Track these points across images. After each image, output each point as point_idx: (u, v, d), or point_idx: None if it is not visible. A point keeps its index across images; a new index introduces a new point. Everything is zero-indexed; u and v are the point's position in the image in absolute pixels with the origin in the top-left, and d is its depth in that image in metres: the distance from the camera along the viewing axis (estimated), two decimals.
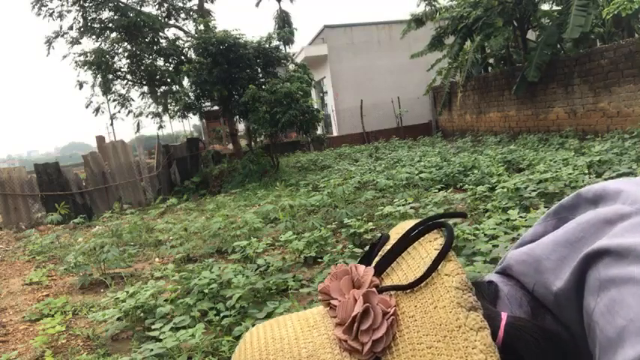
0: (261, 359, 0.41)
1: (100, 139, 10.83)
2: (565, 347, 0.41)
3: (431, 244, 0.44)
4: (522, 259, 0.46)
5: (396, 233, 0.49)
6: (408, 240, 0.46)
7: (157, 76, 13.84)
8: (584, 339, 0.39)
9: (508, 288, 0.47)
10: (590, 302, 0.36)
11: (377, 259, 0.48)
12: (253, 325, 2.27)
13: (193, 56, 12.20)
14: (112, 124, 16.27)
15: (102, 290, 4.31)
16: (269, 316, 2.68)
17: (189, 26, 14.53)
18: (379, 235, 0.52)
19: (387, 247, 0.48)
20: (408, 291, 0.42)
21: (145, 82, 14.13)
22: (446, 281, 0.40)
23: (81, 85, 13.91)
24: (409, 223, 0.48)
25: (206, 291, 3.28)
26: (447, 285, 0.40)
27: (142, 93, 14.74)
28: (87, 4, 12.52)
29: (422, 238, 0.45)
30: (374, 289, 0.42)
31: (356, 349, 0.40)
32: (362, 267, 0.46)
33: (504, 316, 0.42)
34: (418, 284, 0.41)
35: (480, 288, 0.45)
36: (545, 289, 0.43)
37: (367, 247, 0.51)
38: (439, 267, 0.41)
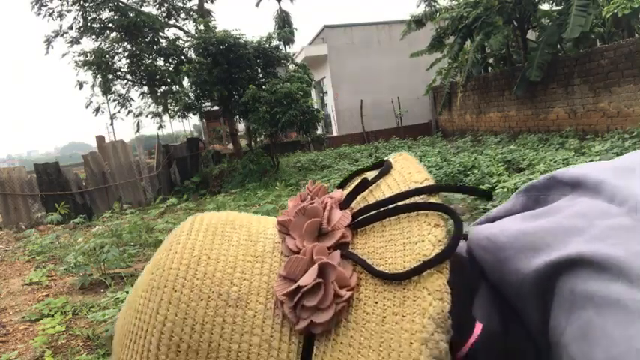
0: (185, 278, 0.35)
1: (100, 139, 10.84)
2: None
3: (427, 229, 0.34)
4: (483, 244, 0.39)
5: (400, 171, 0.41)
6: (407, 205, 0.36)
7: (157, 76, 13.84)
8: (544, 347, 0.33)
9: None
10: (560, 319, 0.31)
11: (362, 197, 0.40)
12: None
13: (193, 56, 12.19)
14: (112, 124, 16.29)
15: (102, 290, 4.31)
16: None
17: (189, 26, 14.55)
18: (381, 160, 0.44)
19: (384, 184, 0.40)
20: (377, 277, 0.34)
21: (145, 82, 14.13)
22: (422, 299, 0.31)
23: (81, 85, 13.92)
24: (418, 172, 0.40)
25: None
26: (422, 305, 0.31)
27: (142, 93, 14.75)
28: (87, 4, 12.52)
29: (422, 212, 0.36)
30: (335, 260, 0.35)
31: (290, 319, 0.34)
32: (338, 213, 0.38)
33: (478, 329, 0.36)
34: (393, 279, 0.33)
35: (463, 272, 0.38)
36: (506, 283, 0.36)
37: (364, 168, 0.44)
38: (425, 272, 0.32)
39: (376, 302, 0.33)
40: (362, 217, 0.37)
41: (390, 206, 0.37)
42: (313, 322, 0.33)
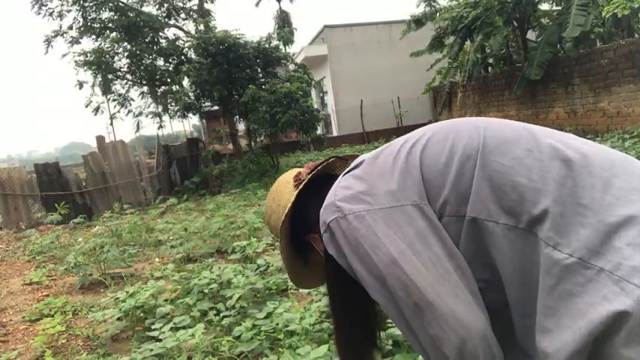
0: (281, 179, 1.15)
1: (100, 139, 10.83)
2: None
3: (327, 164, 1.09)
4: None
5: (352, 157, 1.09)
6: (337, 159, 1.12)
7: (157, 76, 13.82)
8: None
9: None
10: None
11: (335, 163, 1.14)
12: (254, 326, 2.28)
13: (193, 56, 12.19)
14: (111, 124, 16.22)
15: (102, 290, 4.31)
16: (269, 316, 2.68)
17: (190, 26, 14.53)
18: (351, 155, 1.11)
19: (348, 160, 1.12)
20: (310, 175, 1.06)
21: (145, 82, 14.10)
22: (297, 188, 1.05)
23: (81, 85, 13.88)
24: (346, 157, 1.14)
25: (206, 291, 3.28)
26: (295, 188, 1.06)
27: (142, 93, 14.71)
28: (87, 4, 12.49)
29: (334, 162, 1.12)
30: (306, 172, 1.07)
31: (293, 184, 1.07)
32: (318, 165, 1.06)
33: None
34: (310, 173, 1.06)
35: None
36: None
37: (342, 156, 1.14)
38: (315, 171, 1.06)
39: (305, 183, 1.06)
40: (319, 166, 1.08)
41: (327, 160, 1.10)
42: (296, 185, 1.06)
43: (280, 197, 1.10)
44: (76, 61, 13.00)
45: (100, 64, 12.73)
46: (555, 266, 0.68)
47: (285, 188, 1.11)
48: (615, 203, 0.69)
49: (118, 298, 3.39)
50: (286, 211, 1.03)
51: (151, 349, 2.44)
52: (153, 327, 2.80)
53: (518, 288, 0.76)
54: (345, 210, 0.85)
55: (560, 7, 10.52)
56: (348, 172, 0.94)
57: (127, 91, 14.39)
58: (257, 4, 24.46)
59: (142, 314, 3.19)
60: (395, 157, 0.88)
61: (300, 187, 1.05)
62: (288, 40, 20.36)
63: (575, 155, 0.76)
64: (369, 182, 0.87)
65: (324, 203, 0.92)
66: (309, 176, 1.06)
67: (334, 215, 0.87)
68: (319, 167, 1.07)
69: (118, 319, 3.15)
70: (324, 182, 1.01)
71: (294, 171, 1.14)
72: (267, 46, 11.42)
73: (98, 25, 12.83)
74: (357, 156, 1.13)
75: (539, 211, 0.72)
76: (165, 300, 3.31)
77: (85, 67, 12.91)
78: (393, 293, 0.80)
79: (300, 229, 1.06)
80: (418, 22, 12.89)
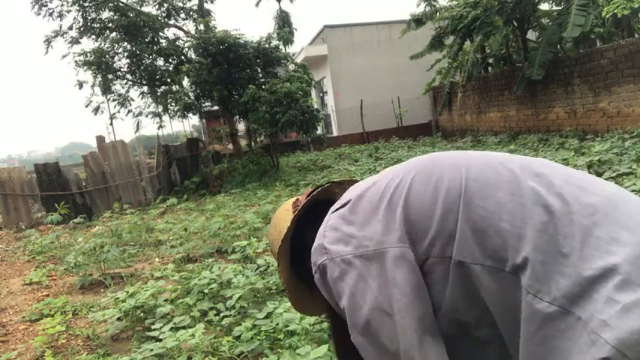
0: (279, 208, 1.22)
1: (100, 139, 10.84)
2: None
3: (323, 189, 1.14)
4: None
5: (349, 185, 1.10)
6: (328, 186, 1.16)
7: (157, 76, 13.80)
8: None
9: None
10: None
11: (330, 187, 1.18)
12: (254, 326, 2.31)
13: (193, 56, 12.18)
14: (111, 124, 16.18)
15: (102, 290, 4.31)
16: (269, 316, 2.68)
17: (190, 26, 14.51)
18: (349, 179, 1.17)
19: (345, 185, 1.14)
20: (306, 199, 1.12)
21: (144, 82, 14.09)
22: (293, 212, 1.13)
23: (81, 85, 13.86)
24: (345, 182, 1.16)
25: (206, 291, 3.28)
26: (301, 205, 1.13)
27: (142, 93, 14.69)
28: (87, 4, 12.49)
29: (330, 187, 1.17)
30: (303, 199, 1.13)
31: (292, 210, 1.14)
32: (314, 191, 1.13)
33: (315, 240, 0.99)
34: (306, 199, 1.12)
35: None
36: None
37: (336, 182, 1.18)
38: (310, 196, 1.13)
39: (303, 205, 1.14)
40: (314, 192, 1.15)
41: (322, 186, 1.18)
42: (294, 208, 1.13)
43: (281, 225, 1.14)
44: (76, 61, 13.00)
45: (100, 64, 12.72)
46: (537, 314, 0.71)
47: (285, 215, 1.15)
48: (593, 255, 0.70)
49: (118, 298, 3.39)
50: (282, 237, 1.07)
51: (151, 349, 2.44)
52: (153, 327, 2.80)
53: (510, 324, 0.78)
54: (333, 253, 0.91)
55: (560, 7, 10.51)
56: (336, 210, 0.98)
57: (127, 91, 14.37)
58: (257, 4, 24.46)
59: (141, 314, 3.20)
60: (380, 197, 0.90)
61: (297, 213, 1.08)
62: (288, 40, 20.37)
63: (557, 202, 0.76)
64: (354, 224, 0.91)
65: (314, 244, 0.96)
66: (305, 202, 1.11)
67: (323, 258, 0.92)
68: (314, 193, 1.12)
69: (118, 319, 3.15)
70: (325, 207, 1.03)
71: (294, 199, 1.20)
72: (267, 46, 11.42)
73: (98, 25, 12.83)
74: (354, 181, 1.17)
75: (520, 259, 0.74)
76: (165, 300, 3.31)
77: (85, 67, 12.90)
78: (371, 336, 0.86)
79: (303, 255, 1.08)
80: (418, 21, 12.90)
